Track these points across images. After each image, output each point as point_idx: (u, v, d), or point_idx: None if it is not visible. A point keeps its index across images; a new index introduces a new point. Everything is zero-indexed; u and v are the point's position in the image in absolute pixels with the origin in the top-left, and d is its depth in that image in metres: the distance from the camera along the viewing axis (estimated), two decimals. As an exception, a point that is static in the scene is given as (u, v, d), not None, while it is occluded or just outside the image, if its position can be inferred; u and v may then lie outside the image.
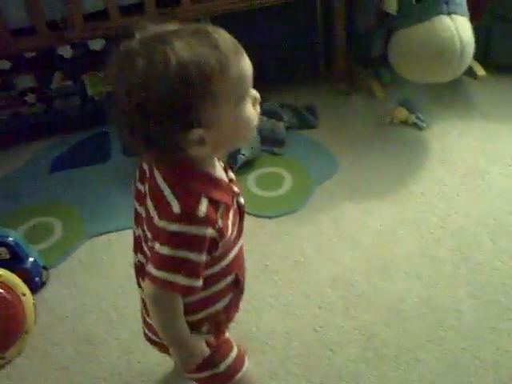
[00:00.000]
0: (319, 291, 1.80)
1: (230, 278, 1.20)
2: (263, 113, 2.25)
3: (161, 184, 1.07)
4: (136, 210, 1.16)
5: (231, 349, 1.28)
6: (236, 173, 2.08)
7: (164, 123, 0.98)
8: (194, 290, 1.09)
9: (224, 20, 2.29)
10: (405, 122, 2.29)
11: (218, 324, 1.25)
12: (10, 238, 1.83)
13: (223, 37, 1.00)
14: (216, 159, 1.13)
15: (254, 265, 1.89)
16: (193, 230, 1.03)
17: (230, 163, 2.17)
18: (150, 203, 1.09)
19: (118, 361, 1.64)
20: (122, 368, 1.63)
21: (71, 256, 1.98)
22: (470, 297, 1.73)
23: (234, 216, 1.14)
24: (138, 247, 1.18)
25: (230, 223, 1.10)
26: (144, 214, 1.12)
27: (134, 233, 1.19)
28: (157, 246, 1.05)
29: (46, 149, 2.44)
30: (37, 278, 1.87)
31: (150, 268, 1.07)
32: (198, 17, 2.19)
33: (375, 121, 2.39)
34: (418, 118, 2.29)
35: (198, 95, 0.97)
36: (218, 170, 1.12)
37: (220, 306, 1.22)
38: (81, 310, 1.80)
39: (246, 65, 1.03)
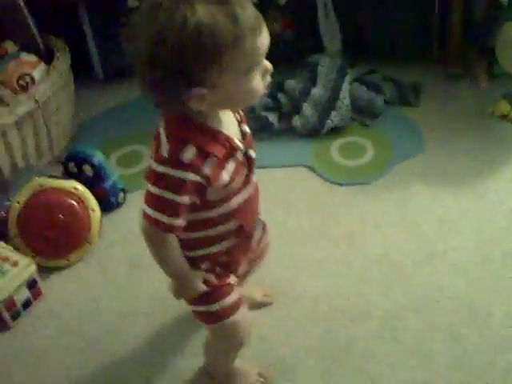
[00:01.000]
0: (363, 264, 1.84)
1: (231, 224, 1.29)
2: (365, 83, 2.32)
3: (161, 130, 1.18)
4: None
5: (229, 293, 1.37)
6: (322, 137, 2.20)
7: (169, 77, 1.07)
8: (176, 229, 1.20)
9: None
10: (505, 116, 2.22)
11: (221, 265, 1.34)
12: (95, 159, 2.02)
13: (246, 11, 1.05)
14: (225, 112, 1.21)
15: (310, 227, 1.97)
16: (174, 172, 1.14)
17: (318, 127, 2.24)
18: (152, 146, 1.20)
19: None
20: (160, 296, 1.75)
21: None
22: (506, 303, 1.70)
23: (238, 168, 1.22)
24: None
25: (225, 173, 1.19)
26: None
27: None
28: (148, 185, 1.18)
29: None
30: (113, 199, 2.06)
31: (143, 205, 1.19)
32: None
33: (477, 110, 2.32)
34: (519, 113, 2.21)
35: (207, 60, 1.04)
36: (224, 123, 1.20)
37: (220, 248, 1.32)
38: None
39: (263, 40, 1.09)
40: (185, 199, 1.16)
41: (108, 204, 2.05)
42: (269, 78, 1.16)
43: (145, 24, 1.06)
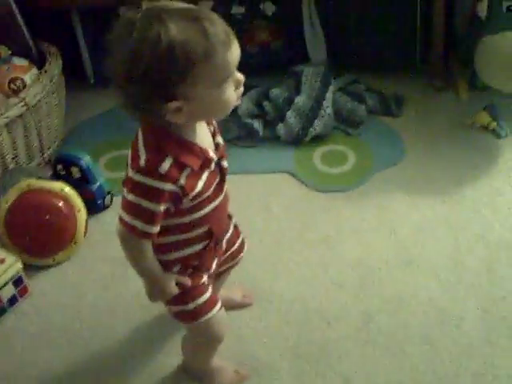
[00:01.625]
0: (339, 269, 1.89)
1: (202, 230, 1.35)
2: (348, 93, 2.38)
3: (139, 139, 1.23)
4: None
5: (204, 292, 1.43)
6: (305, 144, 2.26)
7: (146, 92, 1.12)
8: (151, 235, 1.26)
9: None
10: (485, 127, 2.28)
11: (193, 267, 1.40)
12: (83, 161, 2.07)
13: (216, 26, 1.11)
14: (200, 125, 1.27)
15: (289, 231, 2.03)
16: (151, 182, 1.19)
17: (301, 135, 2.30)
18: (129, 153, 1.25)
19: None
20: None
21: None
22: (479, 308, 1.75)
23: (211, 177, 1.28)
24: None
25: (200, 183, 1.25)
26: None
27: None
28: (125, 191, 1.23)
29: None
30: (99, 201, 2.11)
31: (120, 210, 1.25)
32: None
33: (457, 121, 2.38)
34: (499, 125, 2.26)
35: (181, 74, 1.10)
36: (199, 135, 1.25)
37: (191, 251, 1.37)
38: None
39: (233, 53, 1.14)
40: (160, 208, 1.22)
41: (95, 206, 2.10)
42: (241, 89, 1.21)
43: (120, 42, 1.11)
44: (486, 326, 1.71)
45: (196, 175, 1.24)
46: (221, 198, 1.35)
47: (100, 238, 2.05)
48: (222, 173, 1.32)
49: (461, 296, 1.79)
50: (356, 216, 2.06)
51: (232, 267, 1.61)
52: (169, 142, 1.20)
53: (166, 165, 1.18)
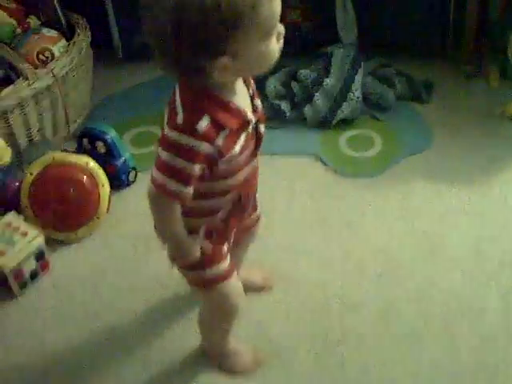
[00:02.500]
0: (361, 254, 1.88)
1: (232, 196, 1.34)
2: (377, 77, 2.35)
3: (177, 98, 1.20)
4: None
5: (222, 260, 1.42)
6: (331, 128, 2.24)
7: (194, 49, 1.08)
8: (184, 197, 1.22)
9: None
10: (515, 118, 2.25)
11: (217, 232, 1.38)
12: (108, 136, 2.07)
13: None
14: (239, 85, 1.24)
15: (311, 215, 2.01)
16: (188, 141, 1.16)
17: (328, 118, 2.28)
18: (166, 111, 1.23)
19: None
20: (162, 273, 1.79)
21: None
22: (501, 300, 1.73)
23: (247, 140, 1.26)
24: None
25: (236, 146, 1.22)
26: None
27: None
28: (159, 149, 1.20)
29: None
30: (123, 176, 2.11)
31: (153, 169, 1.22)
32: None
33: (487, 110, 2.35)
34: (529, 116, 2.24)
35: (229, 27, 1.06)
36: (238, 96, 1.22)
37: (219, 216, 1.36)
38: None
39: (278, 3, 1.11)
40: (196, 168, 1.18)
41: (119, 181, 2.10)
42: (282, 42, 1.17)
43: (162, 1, 1.07)
44: (507, 318, 1.69)
45: (234, 137, 1.21)
46: (254, 164, 1.33)
47: (122, 215, 2.05)
48: (257, 137, 1.30)
49: (483, 287, 1.77)
50: (380, 202, 2.04)
51: (246, 239, 1.58)
52: (207, 100, 1.17)
53: (204, 123, 1.15)
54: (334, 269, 1.85)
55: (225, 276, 1.43)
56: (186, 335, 1.69)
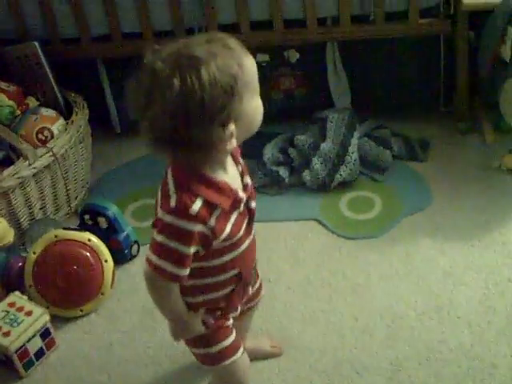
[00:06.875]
0: (368, 317, 1.87)
1: (232, 273, 1.34)
2: (373, 139, 2.38)
3: (169, 180, 1.23)
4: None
5: (228, 335, 1.42)
6: (331, 191, 2.25)
7: (205, 127, 1.12)
8: (180, 278, 1.24)
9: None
10: (513, 170, 2.27)
11: (220, 310, 1.39)
12: (110, 211, 2.08)
13: (232, 39, 1.16)
14: (230, 163, 1.27)
15: (316, 279, 2.01)
16: (182, 224, 1.18)
17: (327, 181, 2.29)
18: (159, 194, 1.25)
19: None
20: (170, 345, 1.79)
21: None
22: (510, 355, 1.71)
23: (240, 218, 1.28)
24: None
25: (229, 225, 1.24)
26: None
27: None
28: (154, 233, 1.22)
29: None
30: (126, 251, 2.11)
31: (148, 251, 1.24)
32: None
33: (484, 164, 2.37)
34: (526, 168, 2.25)
35: (229, 95, 1.11)
36: (229, 175, 1.25)
37: (219, 294, 1.37)
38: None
39: (253, 60, 1.18)
40: (190, 250, 1.21)
41: (122, 256, 2.10)
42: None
43: (161, 95, 1.11)
44: (519, 375, 1.68)
45: (225, 217, 1.23)
46: (250, 240, 1.34)
47: (127, 289, 2.04)
48: (250, 214, 1.32)
49: (492, 343, 1.76)
50: (384, 263, 2.04)
51: (250, 309, 1.58)
52: (199, 181, 1.20)
53: (197, 205, 1.17)
54: (342, 332, 1.83)
55: (232, 352, 1.42)
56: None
